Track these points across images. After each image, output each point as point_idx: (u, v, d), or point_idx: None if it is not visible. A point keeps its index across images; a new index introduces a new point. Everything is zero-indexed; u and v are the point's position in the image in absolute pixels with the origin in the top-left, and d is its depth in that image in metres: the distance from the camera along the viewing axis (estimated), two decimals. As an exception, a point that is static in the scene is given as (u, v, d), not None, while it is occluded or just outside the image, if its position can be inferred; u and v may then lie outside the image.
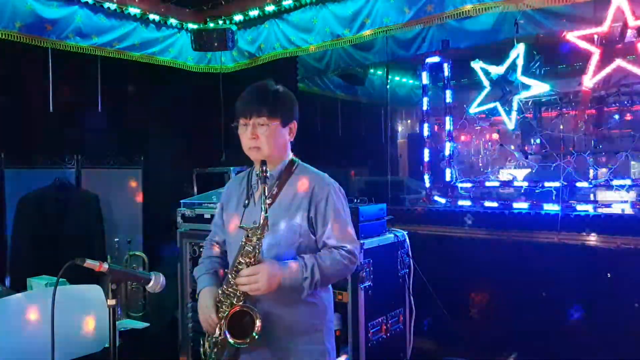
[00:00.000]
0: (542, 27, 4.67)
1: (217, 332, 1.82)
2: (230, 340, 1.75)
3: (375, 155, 7.28)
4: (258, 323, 1.74)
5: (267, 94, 1.89)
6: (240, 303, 1.79)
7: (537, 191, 4.46)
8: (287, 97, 1.95)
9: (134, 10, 5.02)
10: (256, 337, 1.74)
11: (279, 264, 1.80)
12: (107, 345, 2.26)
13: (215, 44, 5.18)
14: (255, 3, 5.18)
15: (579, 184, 4.28)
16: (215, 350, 1.85)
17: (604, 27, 3.99)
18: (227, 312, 1.78)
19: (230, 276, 1.82)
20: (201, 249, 3.86)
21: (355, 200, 3.59)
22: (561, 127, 5.26)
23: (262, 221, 1.75)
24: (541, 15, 4.59)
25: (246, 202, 1.97)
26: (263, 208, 1.76)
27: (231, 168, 5.09)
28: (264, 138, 1.87)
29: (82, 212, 4.85)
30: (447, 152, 5.11)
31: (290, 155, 2.02)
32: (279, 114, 1.89)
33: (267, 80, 1.97)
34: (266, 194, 1.79)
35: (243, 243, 1.79)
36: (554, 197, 4.25)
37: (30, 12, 4.37)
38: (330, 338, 1.99)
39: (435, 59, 5.16)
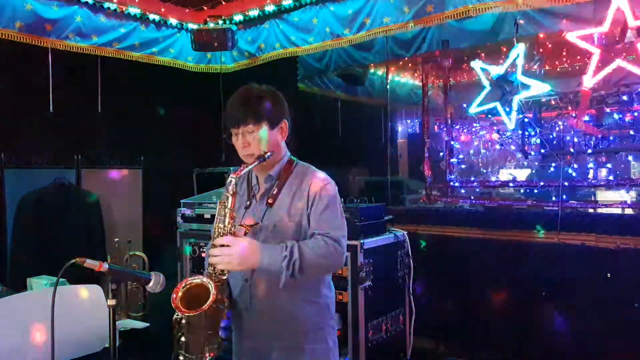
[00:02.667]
0: (542, 27, 4.67)
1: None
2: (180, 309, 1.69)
3: (375, 155, 7.27)
4: (212, 293, 1.69)
5: (249, 101, 1.90)
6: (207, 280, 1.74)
7: (536, 191, 4.46)
8: (271, 98, 1.94)
9: (133, 10, 5.02)
10: (206, 307, 1.67)
11: (258, 242, 1.79)
12: (107, 345, 2.26)
13: (215, 44, 5.18)
14: (255, 3, 5.18)
15: (578, 184, 4.28)
16: (182, 337, 1.78)
17: (604, 27, 3.99)
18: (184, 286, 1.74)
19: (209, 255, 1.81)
20: (201, 249, 3.88)
21: (355, 200, 3.59)
22: (561, 127, 5.26)
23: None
24: (541, 15, 4.59)
25: (248, 203, 1.99)
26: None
27: (231, 168, 5.09)
28: (254, 144, 1.88)
29: (82, 212, 4.85)
30: (447, 152, 5.11)
31: (288, 154, 2.03)
32: (264, 118, 1.89)
33: (250, 85, 1.97)
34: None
35: (218, 209, 1.80)
36: (554, 197, 4.25)
37: (30, 12, 4.37)
38: (332, 336, 2.00)
39: (435, 59, 5.16)
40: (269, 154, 1.86)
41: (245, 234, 1.87)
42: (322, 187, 1.92)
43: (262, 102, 1.91)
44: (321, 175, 1.98)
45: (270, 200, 1.92)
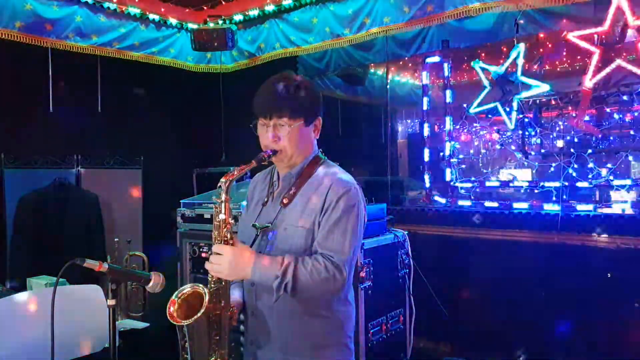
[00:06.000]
0: (542, 27, 4.67)
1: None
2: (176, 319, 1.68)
3: (375, 155, 7.27)
4: (205, 300, 1.64)
5: (287, 91, 1.69)
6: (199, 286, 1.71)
7: (536, 191, 4.46)
8: (310, 92, 1.75)
9: (133, 10, 5.02)
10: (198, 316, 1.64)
11: (254, 252, 1.66)
12: (107, 345, 2.26)
13: (215, 44, 5.18)
14: (255, 3, 5.18)
15: (579, 184, 4.28)
16: (186, 343, 1.73)
17: (604, 27, 3.99)
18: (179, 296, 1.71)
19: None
20: (201, 249, 3.88)
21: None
22: (561, 127, 5.26)
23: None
24: (541, 15, 4.59)
25: (265, 199, 1.87)
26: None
27: (231, 168, 5.09)
28: (286, 140, 1.71)
29: (82, 212, 4.85)
30: (447, 152, 5.11)
31: (316, 153, 1.86)
32: (301, 112, 1.71)
33: (287, 73, 1.78)
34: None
35: (214, 214, 1.72)
36: (554, 197, 4.25)
37: (30, 12, 4.37)
38: (342, 357, 1.82)
39: (435, 59, 5.16)
40: (268, 155, 1.73)
41: (257, 236, 1.79)
42: (341, 193, 1.71)
43: (301, 94, 1.71)
44: (344, 179, 1.77)
45: (285, 201, 1.77)
